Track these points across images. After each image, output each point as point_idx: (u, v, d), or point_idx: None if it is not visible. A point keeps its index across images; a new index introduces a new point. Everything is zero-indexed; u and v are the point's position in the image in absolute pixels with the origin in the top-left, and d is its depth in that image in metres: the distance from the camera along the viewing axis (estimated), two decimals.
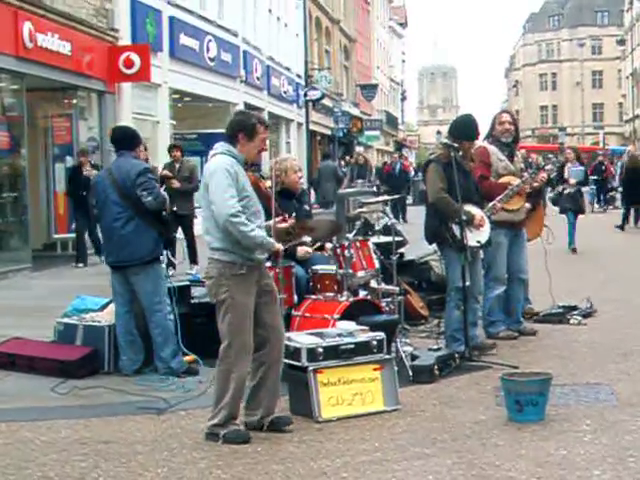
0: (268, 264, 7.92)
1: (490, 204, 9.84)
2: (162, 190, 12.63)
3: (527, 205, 10.44)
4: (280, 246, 7.14)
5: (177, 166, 16.46)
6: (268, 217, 7.22)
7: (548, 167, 11.18)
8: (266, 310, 6.87)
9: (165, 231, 9.11)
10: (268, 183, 8.71)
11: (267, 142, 7.08)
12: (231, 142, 6.84)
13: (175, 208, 14.22)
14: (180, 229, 15.99)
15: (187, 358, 9.10)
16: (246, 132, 6.82)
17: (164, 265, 12.30)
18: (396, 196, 15.84)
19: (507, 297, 10.40)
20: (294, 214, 9.05)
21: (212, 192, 6.64)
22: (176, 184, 15.89)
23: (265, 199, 7.36)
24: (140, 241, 8.85)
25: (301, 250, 9.39)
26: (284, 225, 7.36)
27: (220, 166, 6.67)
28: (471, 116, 9.92)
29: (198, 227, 13.02)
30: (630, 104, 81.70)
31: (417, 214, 19.95)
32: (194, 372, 8.83)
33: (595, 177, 33.82)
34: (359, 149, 53.62)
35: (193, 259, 16.46)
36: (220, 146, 6.86)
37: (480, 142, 10.39)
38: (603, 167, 37.46)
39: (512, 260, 10.35)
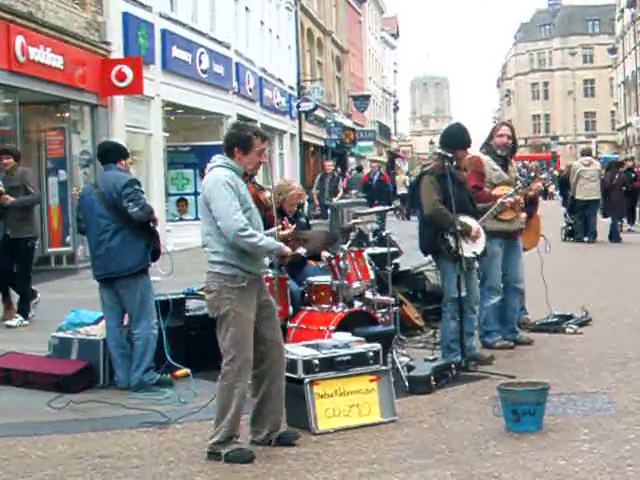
0: (270, 274, 7.86)
1: (498, 201, 9.84)
2: None
3: (523, 215, 10.44)
4: (288, 249, 7.07)
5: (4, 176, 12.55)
6: (266, 227, 7.16)
7: (543, 176, 11.13)
8: (265, 325, 6.79)
9: (153, 242, 9.05)
10: (267, 194, 8.67)
11: (266, 153, 6.92)
12: (229, 155, 6.74)
13: (9, 231, 12.47)
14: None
15: (180, 372, 9.06)
16: (241, 146, 6.69)
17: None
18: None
19: (503, 307, 10.39)
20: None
21: (216, 208, 6.52)
22: (10, 199, 12.26)
23: (264, 209, 7.31)
24: (128, 252, 8.81)
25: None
26: (286, 232, 7.31)
27: (220, 180, 6.55)
28: (460, 124, 9.99)
29: None
30: (622, 112, 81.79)
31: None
32: (167, 383, 8.81)
33: (624, 188, 26.55)
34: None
35: (21, 309, 12.84)
36: (219, 158, 6.75)
37: (475, 151, 10.40)
38: (633, 175, 28.34)
39: (508, 270, 10.34)
